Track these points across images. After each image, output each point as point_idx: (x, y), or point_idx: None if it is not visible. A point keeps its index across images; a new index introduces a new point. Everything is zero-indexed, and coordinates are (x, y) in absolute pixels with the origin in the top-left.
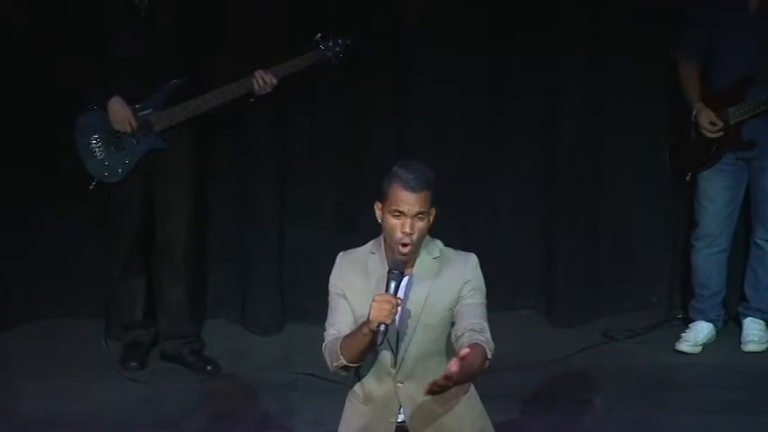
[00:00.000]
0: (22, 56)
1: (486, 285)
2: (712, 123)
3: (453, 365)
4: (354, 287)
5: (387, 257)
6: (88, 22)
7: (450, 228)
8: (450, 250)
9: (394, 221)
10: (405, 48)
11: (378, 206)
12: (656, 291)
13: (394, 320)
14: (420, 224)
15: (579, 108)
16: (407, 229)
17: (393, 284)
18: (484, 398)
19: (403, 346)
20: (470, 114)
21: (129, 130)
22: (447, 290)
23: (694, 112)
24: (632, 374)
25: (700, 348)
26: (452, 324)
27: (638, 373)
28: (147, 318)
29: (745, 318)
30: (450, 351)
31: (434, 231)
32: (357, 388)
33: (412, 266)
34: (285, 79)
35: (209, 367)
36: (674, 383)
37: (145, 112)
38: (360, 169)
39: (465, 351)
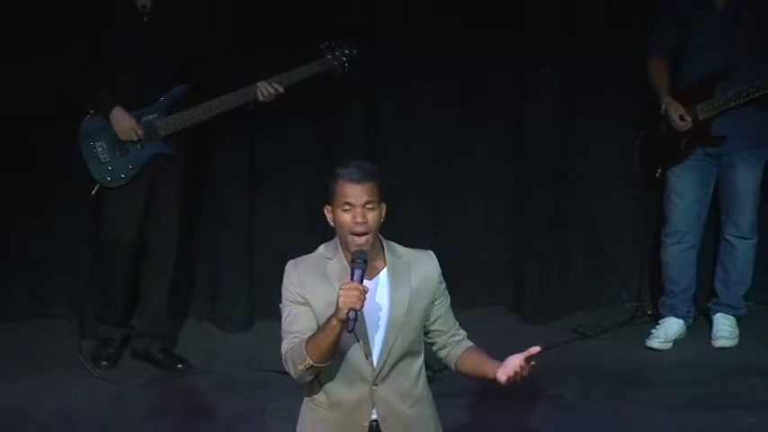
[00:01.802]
0: (12, 56)
1: (457, 282)
2: (681, 117)
3: (523, 356)
4: (317, 294)
5: (346, 259)
6: (90, 27)
7: (420, 224)
8: (407, 249)
9: (345, 215)
10: (375, 48)
11: (328, 209)
12: (627, 287)
13: (362, 308)
14: (371, 214)
15: (549, 106)
16: (359, 219)
17: (358, 272)
18: (454, 395)
19: (386, 349)
20: (441, 112)
21: (135, 138)
22: (425, 290)
23: (664, 106)
24: (602, 370)
25: (670, 344)
26: (429, 326)
27: (609, 369)
28: (126, 317)
29: (715, 313)
30: (421, 352)
31: (404, 226)
32: (319, 396)
33: (384, 265)
34: (290, 88)
35: (179, 365)
36: (644, 379)
37: (150, 117)
38: (329, 168)
39: (536, 349)
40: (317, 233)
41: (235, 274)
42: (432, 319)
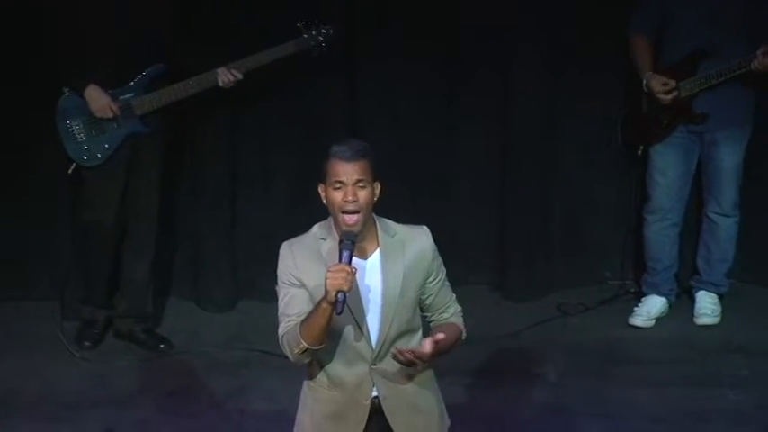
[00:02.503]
0: None
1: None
2: (664, 84)
3: (427, 346)
4: (312, 275)
5: (339, 238)
6: (65, 6)
7: (403, 203)
8: (401, 225)
9: (336, 194)
10: (357, 27)
11: (321, 188)
12: (610, 265)
13: (353, 289)
14: (362, 192)
15: (532, 84)
16: (350, 197)
17: (345, 253)
18: (436, 372)
19: (383, 329)
20: (423, 90)
21: (110, 115)
22: (419, 266)
23: (644, 81)
24: (585, 348)
25: (653, 322)
26: (422, 302)
27: (591, 347)
28: (108, 298)
29: (697, 291)
30: (418, 328)
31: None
32: (320, 377)
33: (377, 246)
34: (265, 68)
35: (161, 345)
36: (626, 357)
37: (126, 96)
38: (312, 146)
39: (440, 336)
40: (299, 212)
41: (217, 253)
42: (425, 295)
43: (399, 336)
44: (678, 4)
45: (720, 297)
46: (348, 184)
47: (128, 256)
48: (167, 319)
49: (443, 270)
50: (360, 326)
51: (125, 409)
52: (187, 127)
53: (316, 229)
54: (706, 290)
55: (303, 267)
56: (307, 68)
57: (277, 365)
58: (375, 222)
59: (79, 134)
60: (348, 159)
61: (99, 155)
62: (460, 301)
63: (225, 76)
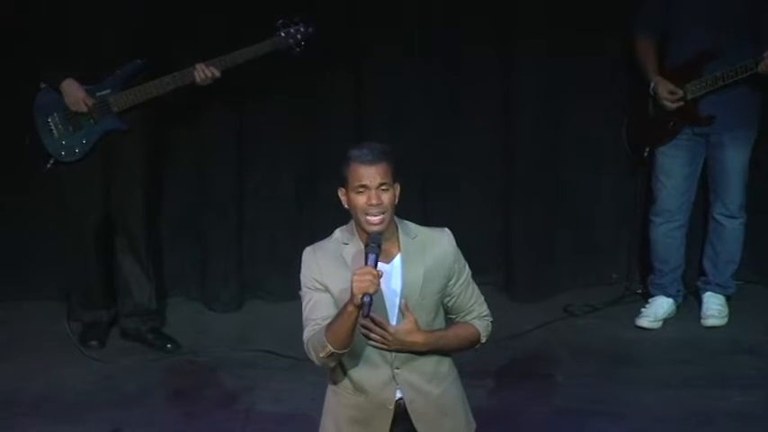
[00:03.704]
0: None
1: None
2: (671, 93)
3: (405, 308)
4: (336, 279)
5: (362, 242)
6: (44, 1)
7: (409, 205)
8: (423, 228)
9: (360, 198)
10: (362, 29)
11: (342, 192)
12: (616, 266)
13: (378, 291)
14: (385, 195)
15: (538, 84)
16: (374, 201)
17: (372, 257)
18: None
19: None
20: (428, 91)
21: (84, 109)
22: (440, 269)
23: (652, 85)
24: (592, 349)
25: (660, 324)
26: (445, 305)
27: (598, 348)
28: (108, 297)
29: (704, 292)
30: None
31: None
32: (343, 381)
33: (398, 250)
34: (244, 65)
35: (168, 345)
36: (633, 358)
37: (103, 93)
38: (318, 146)
39: (405, 302)
40: (305, 212)
41: (224, 253)
42: (448, 297)
43: None
44: (684, 5)
45: (727, 298)
46: (371, 187)
47: (120, 254)
48: (174, 319)
49: (468, 272)
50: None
51: (132, 409)
52: (189, 125)
53: (338, 233)
54: (713, 291)
55: (327, 272)
56: (313, 68)
57: (283, 366)
58: (397, 225)
59: (56, 129)
60: (370, 163)
61: (77, 150)
62: None
63: (202, 73)
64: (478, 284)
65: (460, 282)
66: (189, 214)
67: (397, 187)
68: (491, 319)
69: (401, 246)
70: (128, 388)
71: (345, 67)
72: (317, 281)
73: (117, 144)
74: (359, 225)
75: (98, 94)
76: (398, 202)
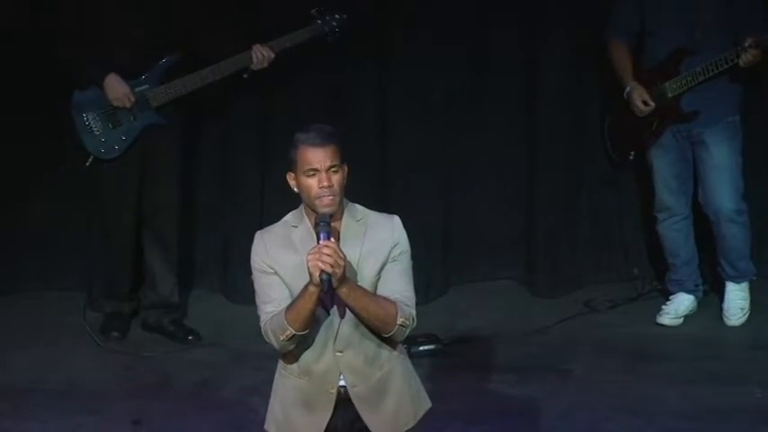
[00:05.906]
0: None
1: (467, 256)
2: (644, 102)
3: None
4: (285, 263)
5: (311, 225)
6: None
7: (431, 200)
8: (371, 212)
9: (310, 181)
10: (385, 26)
11: (290, 176)
12: (638, 262)
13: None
14: (335, 177)
15: (560, 80)
16: (325, 183)
17: (323, 234)
18: (464, 368)
19: (342, 311)
20: (451, 87)
21: (127, 105)
22: (377, 252)
23: (627, 89)
24: (612, 345)
25: (681, 320)
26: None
27: (619, 344)
28: (131, 289)
29: (726, 280)
30: None
31: (415, 203)
32: (291, 364)
33: (338, 229)
34: (282, 54)
35: (190, 337)
36: (654, 354)
37: (141, 88)
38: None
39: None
40: None
41: (246, 245)
42: (381, 276)
43: (357, 322)
44: (655, 5)
45: (749, 285)
46: (322, 170)
47: (149, 248)
48: (196, 311)
49: (408, 263)
50: (321, 310)
51: (152, 400)
52: (214, 120)
53: (289, 217)
54: (734, 281)
55: (274, 255)
56: (338, 65)
57: None
58: (344, 207)
59: (96, 127)
60: (319, 145)
61: (116, 147)
62: (487, 296)
63: (259, 53)
64: (500, 279)
65: (394, 268)
66: (212, 206)
67: (346, 168)
68: (413, 316)
69: (342, 226)
70: (149, 379)
71: (370, 64)
72: (265, 264)
73: (154, 139)
74: (310, 207)
75: (137, 89)
76: (346, 183)
